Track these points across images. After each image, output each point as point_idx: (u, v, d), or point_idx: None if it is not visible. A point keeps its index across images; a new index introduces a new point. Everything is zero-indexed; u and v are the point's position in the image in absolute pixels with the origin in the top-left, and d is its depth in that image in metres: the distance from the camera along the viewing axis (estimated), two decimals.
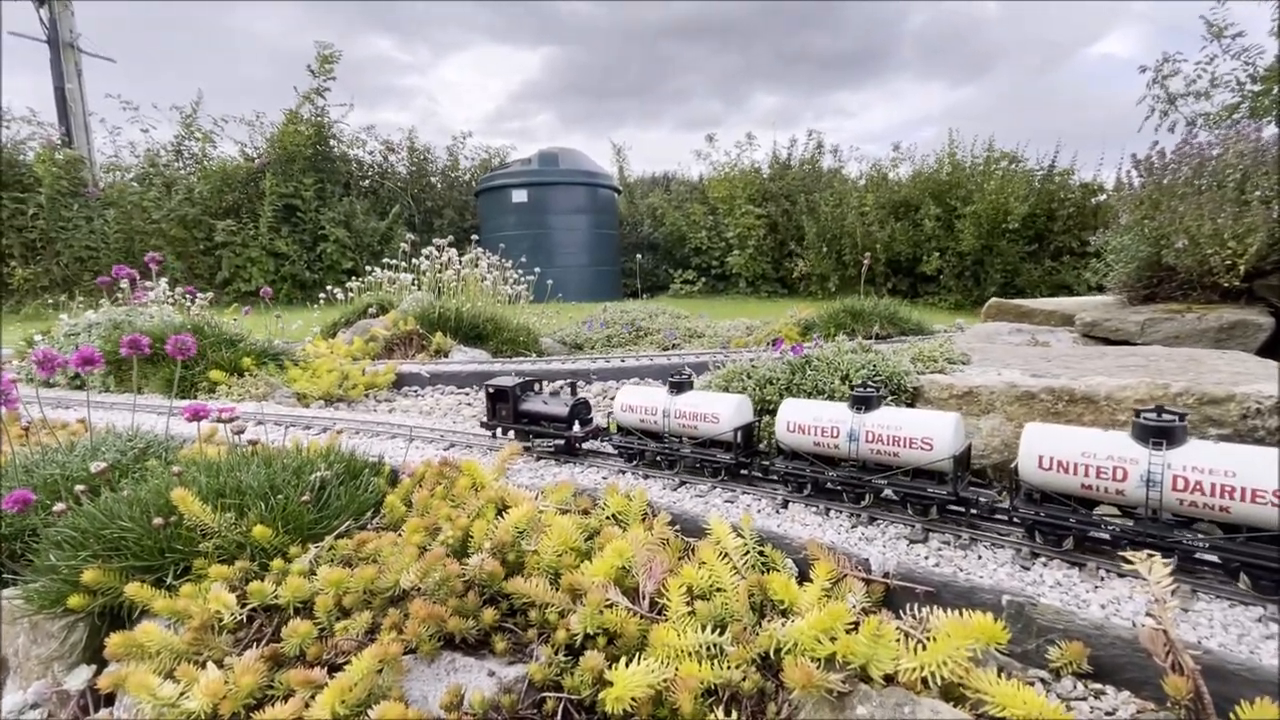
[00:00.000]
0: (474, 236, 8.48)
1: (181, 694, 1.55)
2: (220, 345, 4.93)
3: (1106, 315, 3.99)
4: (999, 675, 1.29)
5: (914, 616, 1.47)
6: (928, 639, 1.36)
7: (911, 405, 2.31)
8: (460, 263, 7.20)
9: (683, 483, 2.35)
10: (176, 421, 3.72)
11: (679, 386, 2.43)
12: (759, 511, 2.04)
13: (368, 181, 21.59)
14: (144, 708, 1.53)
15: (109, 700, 1.95)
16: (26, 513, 2.07)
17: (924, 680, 1.29)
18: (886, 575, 1.63)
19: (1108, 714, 1.27)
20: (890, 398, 2.28)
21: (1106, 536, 1.59)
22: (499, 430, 2.94)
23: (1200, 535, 1.50)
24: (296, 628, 1.64)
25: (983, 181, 15.86)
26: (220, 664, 1.66)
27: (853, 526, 1.89)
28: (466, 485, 2.21)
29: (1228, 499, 1.41)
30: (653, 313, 7.63)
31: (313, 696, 1.47)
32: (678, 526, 2.00)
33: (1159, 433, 1.52)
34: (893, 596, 1.62)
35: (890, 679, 1.30)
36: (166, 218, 17.47)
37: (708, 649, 1.49)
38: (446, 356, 6.28)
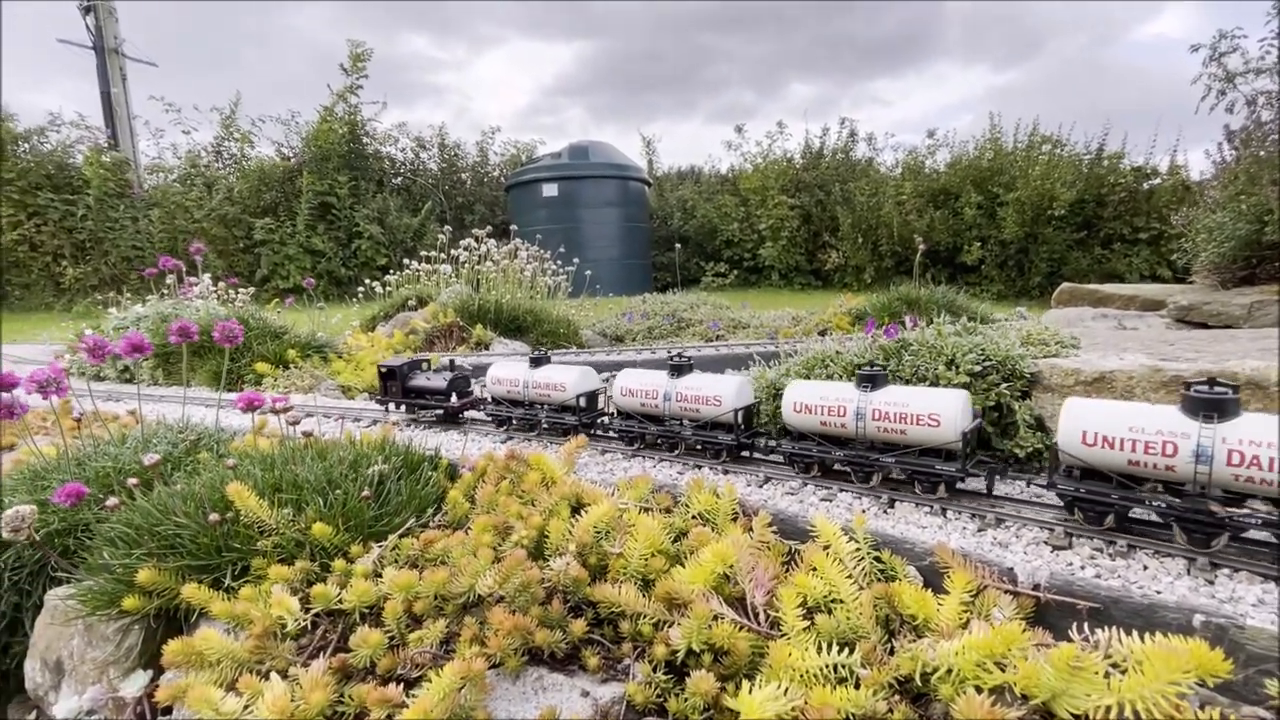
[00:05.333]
0: (512, 227, 8.34)
1: (245, 708, 1.40)
2: (265, 338, 4.88)
3: (1205, 299, 3.65)
4: (1209, 715, 1.06)
5: (1086, 640, 1.25)
6: (1113, 668, 1.14)
7: (1027, 394, 2.07)
8: (499, 254, 7.07)
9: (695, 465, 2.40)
10: (226, 413, 3.64)
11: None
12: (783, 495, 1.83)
13: (400, 178, 21.75)
14: None
15: (167, 708, 1.83)
16: (79, 507, 1.97)
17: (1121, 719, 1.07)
18: (1037, 587, 1.41)
19: None
20: (1003, 384, 2.04)
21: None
22: (390, 405, 3.36)
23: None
24: (367, 637, 1.48)
25: (1027, 167, 15.19)
26: (284, 674, 1.52)
27: (980, 530, 1.67)
28: (536, 480, 2.04)
29: (902, 423, 1.51)
30: (693, 304, 7.42)
31: (389, 717, 1.31)
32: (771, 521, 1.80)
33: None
34: (1045, 612, 1.39)
35: (1079, 719, 1.09)
36: (208, 217, 17.82)
37: (835, 671, 1.29)
38: (487, 349, 6.17)
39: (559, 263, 7.87)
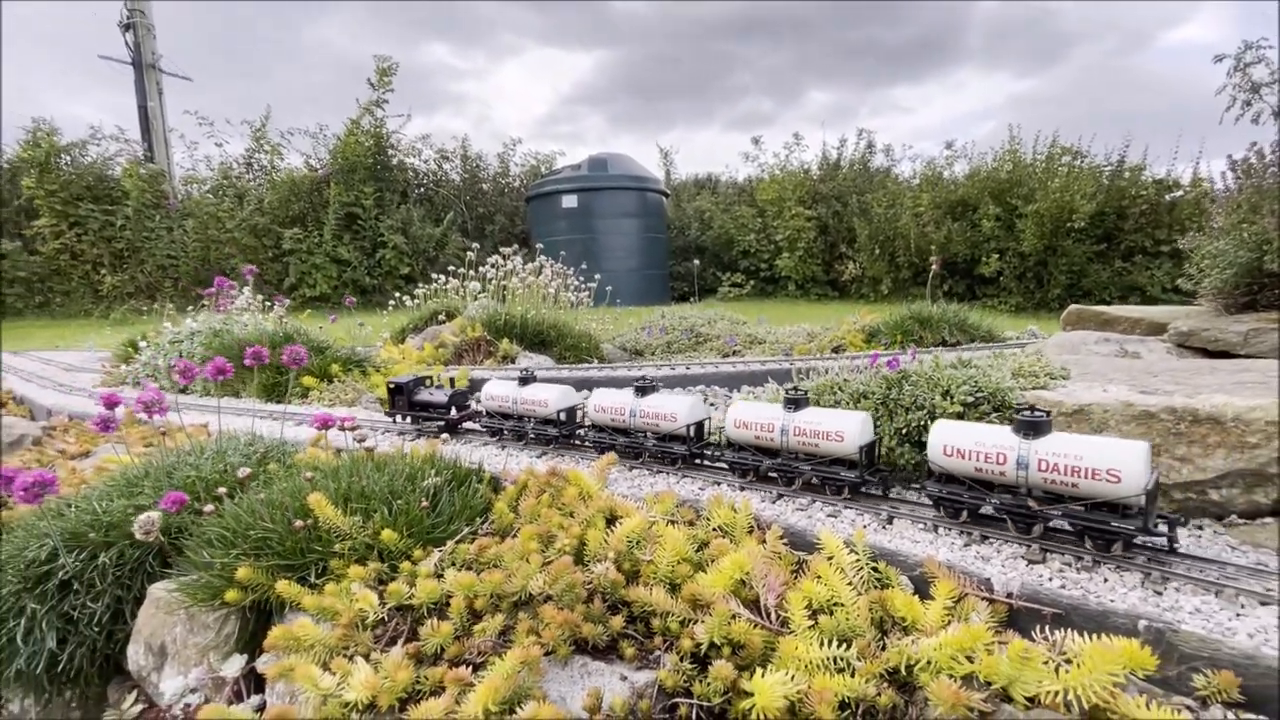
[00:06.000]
0: (538, 245, 8.68)
1: (339, 685, 1.68)
2: (310, 352, 5.21)
3: (1204, 325, 3.82)
4: (1145, 702, 1.30)
5: (1046, 639, 1.48)
6: (1065, 662, 1.38)
7: None
8: (524, 270, 7.39)
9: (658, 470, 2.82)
10: (280, 425, 3.96)
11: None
12: (773, 503, 2.08)
13: (423, 189, 22.28)
14: (308, 696, 1.67)
15: (258, 687, 2.12)
16: (180, 512, 2.28)
17: (1066, 704, 1.30)
18: (1010, 595, 1.64)
19: None
20: (994, 414, 2.27)
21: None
22: (397, 416, 3.73)
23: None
24: (439, 628, 1.76)
25: (1046, 179, 15.21)
26: (366, 658, 1.80)
27: (966, 545, 1.90)
28: (574, 494, 2.31)
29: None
30: (711, 318, 7.66)
31: (461, 693, 1.58)
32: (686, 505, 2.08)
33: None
34: (1016, 617, 1.62)
35: (1033, 701, 1.32)
36: (239, 227, 18.45)
37: (835, 662, 1.53)
38: (513, 362, 6.47)
39: (581, 278, 8.17)
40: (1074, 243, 14.86)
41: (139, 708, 2.37)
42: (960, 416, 2.26)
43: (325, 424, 2.49)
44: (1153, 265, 14.64)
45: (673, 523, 2.14)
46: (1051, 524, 1.84)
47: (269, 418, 4.29)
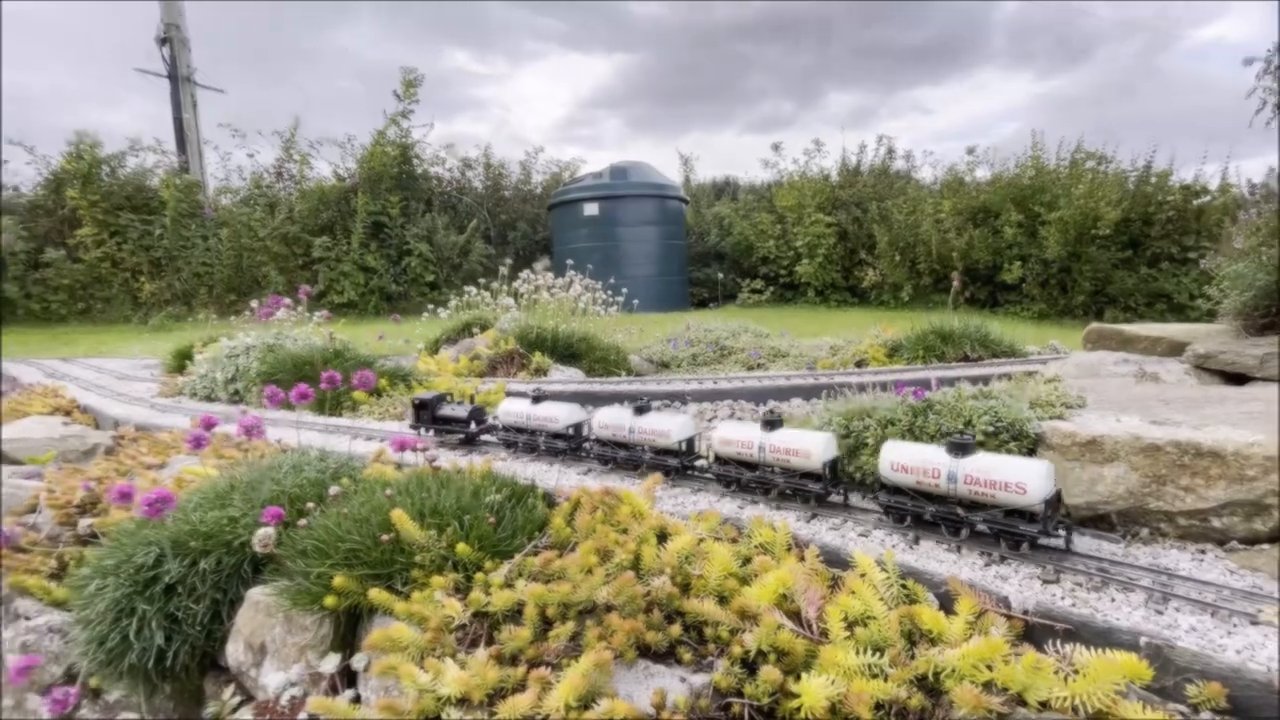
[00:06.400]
0: (566, 259, 8.95)
1: (433, 681, 1.94)
2: (359, 367, 5.53)
3: (1222, 347, 3.96)
4: (1143, 707, 1.50)
5: (1058, 652, 1.69)
6: (1074, 672, 1.58)
7: (1033, 451, 2.49)
8: (557, 285, 7.68)
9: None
10: (333, 438, 4.26)
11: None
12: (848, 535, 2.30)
13: (445, 196, 22.73)
14: (406, 690, 1.93)
15: (348, 682, 2.39)
16: (279, 526, 2.56)
17: (1074, 709, 1.51)
18: (1026, 612, 1.85)
19: None
20: (1012, 443, 2.47)
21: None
22: (421, 429, 4.04)
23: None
24: (517, 634, 2.01)
25: (1070, 185, 15.17)
26: (453, 658, 2.05)
27: (986, 565, 2.11)
28: (627, 512, 2.55)
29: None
30: (734, 331, 7.87)
31: (543, 690, 1.82)
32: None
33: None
34: (1031, 632, 1.83)
35: (1044, 706, 1.53)
36: (270, 235, 19.01)
37: (869, 669, 1.75)
38: (545, 375, 6.74)
39: (609, 292, 8.44)
40: (1099, 249, 14.82)
41: (237, 699, 2.66)
42: (981, 445, 2.46)
43: (403, 446, 2.76)
44: (1179, 272, 14.54)
45: (718, 539, 2.37)
46: (976, 528, 2.20)
47: (326, 430, 4.60)
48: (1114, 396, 2.97)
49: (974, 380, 3.15)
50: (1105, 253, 14.80)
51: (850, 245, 19.17)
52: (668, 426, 3.10)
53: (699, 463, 3.18)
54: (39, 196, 18.91)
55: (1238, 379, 3.98)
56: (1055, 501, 2.10)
